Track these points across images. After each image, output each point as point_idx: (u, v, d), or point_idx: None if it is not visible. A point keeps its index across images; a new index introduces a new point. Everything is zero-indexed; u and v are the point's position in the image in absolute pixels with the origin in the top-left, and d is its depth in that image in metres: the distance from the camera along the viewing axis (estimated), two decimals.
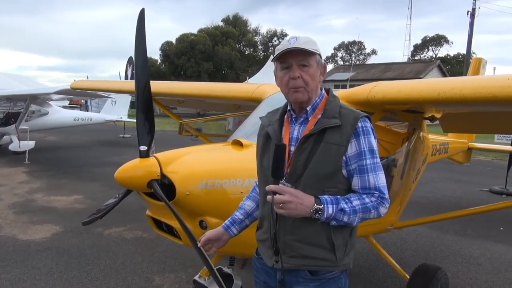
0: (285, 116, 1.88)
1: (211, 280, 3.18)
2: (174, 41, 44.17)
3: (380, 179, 1.71)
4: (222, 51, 42.96)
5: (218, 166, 2.75)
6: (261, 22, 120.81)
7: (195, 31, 46.70)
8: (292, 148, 1.77)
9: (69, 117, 14.58)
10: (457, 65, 50.41)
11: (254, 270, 2.02)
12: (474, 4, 28.19)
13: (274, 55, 1.80)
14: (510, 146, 8.46)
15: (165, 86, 5.07)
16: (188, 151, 2.85)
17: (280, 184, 1.66)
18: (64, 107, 17.73)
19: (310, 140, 1.71)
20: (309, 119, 1.79)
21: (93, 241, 5.29)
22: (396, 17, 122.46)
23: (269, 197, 1.64)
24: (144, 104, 2.69)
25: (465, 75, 27.79)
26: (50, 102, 13.43)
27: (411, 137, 3.89)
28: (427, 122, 4.17)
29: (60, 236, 5.48)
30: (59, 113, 14.13)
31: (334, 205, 1.64)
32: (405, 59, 52.04)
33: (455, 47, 78.37)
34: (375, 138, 1.76)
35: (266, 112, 3.92)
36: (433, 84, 3.15)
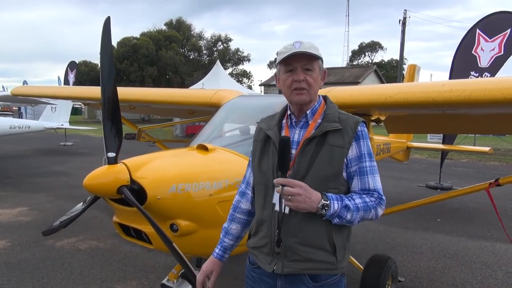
0: (284, 121, 1.92)
1: (179, 282, 3.24)
2: (115, 45, 42.72)
3: (377, 181, 1.80)
4: (166, 55, 42.23)
5: (187, 170, 2.83)
6: (204, 26, 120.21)
7: (137, 34, 45.59)
8: (294, 151, 1.78)
9: (5, 125, 13.53)
10: (391, 70, 53.64)
11: (249, 281, 1.97)
12: (405, 13, 30.25)
13: (279, 58, 1.82)
14: (442, 145, 9.25)
15: (121, 92, 4.99)
16: (155, 157, 2.90)
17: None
18: None
19: (312, 142, 1.76)
20: (309, 123, 1.83)
21: (45, 254, 5.07)
22: (335, 24, 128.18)
23: (278, 188, 1.65)
24: (111, 110, 2.70)
25: (399, 79, 29.77)
26: None
27: None
28: (373, 124, 4.53)
29: (8, 250, 5.18)
30: None
31: (339, 202, 1.69)
32: (344, 64, 54.48)
33: (388, 53, 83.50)
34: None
35: (227, 116, 4.08)
36: (380, 90, 3.46)
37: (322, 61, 1.85)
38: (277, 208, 1.76)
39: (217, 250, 2.07)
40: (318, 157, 1.74)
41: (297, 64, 1.78)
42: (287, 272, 1.76)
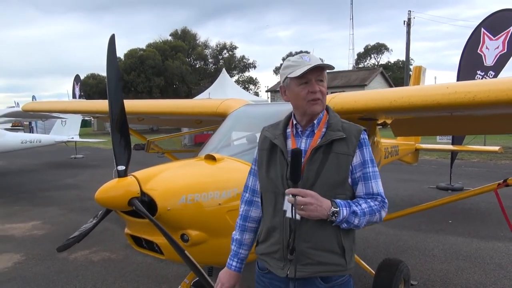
0: (289, 130, 1.98)
1: None
2: (122, 57, 43.27)
3: (380, 185, 1.90)
4: (173, 65, 42.65)
5: (196, 181, 2.87)
6: (209, 35, 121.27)
7: (143, 46, 46.17)
8: (302, 160, 1.83)
9: (16, 140, 13.78)
10: (397, 71, 53.37)
11: (259, 286, 2.03)
12: (409, 14, 30.21)
13: (293, 72, 1.85)
14: (451, 146, 9.19)
15: (130, 104, 5.08)
16: (164, 168, 2.94)
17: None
18: (6, 129, 16.76)
19: (319, 151, 1.83)
20: (315, 132, 1.91)
21: (59, 267, 5.15)
22: (339, 28, 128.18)
23: (291, 198, 1.73)
24: (119, 124, 2.76)
25: (406, 80, 29.61)
26: None
27: None
28: (379, 127, 4.54)
29: (22, 264, 5.27)
30: (5, 137, 13.35)
31: (347, 208, 1.77)
32: (350, 67, 54.45)
33: (394, 54, 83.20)
34: None
35: (234, 125, 4.13)
36: (385, 94, 3.48)
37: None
38: (288, 214, 1.81)
39: (234, 263, 2.09)
40: (325, 165, 1.82)
41: (311, 76, 1.85)
42: (300, 276, 1.81)
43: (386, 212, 1.91)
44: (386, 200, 1.90)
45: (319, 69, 1.86)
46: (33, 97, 30.00)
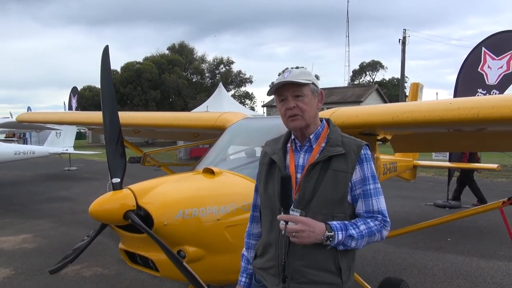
0: (289, 145, 1.95)
1: None
2: (119, 70, 43.38)
3: (381, 203, 1.83)
4: (169, 79, 42.81)
5: (193, 195, 2.79)
6: (207, 50, 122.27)
7: (140, 59, 46.37)
8: (299, 175, 1.83)
9: (9, 152, 13.60)
10: (392, 88, 53.77)
11: None
12: (404, 32, 30.63)
13: (270, 90, 1.90)
14: (448, 163, 9.18)
15: (126, 116, 5.01)
16: (161, 182, 2.86)
17: (290, 212, 1.72)
18: None
19: (317, 167, 1.79)
20: (313, 147, 1.86)
21: (49, 282, 4.98)
22: (335, 45, 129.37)
23: (282, 225, 1.69)
24: (114, 136, 2.71)
25: (401, 97, 29.82)
26: None
27: None
28: (379, 143, 4.49)
29: (11, 279, 5.09)
30: None
31: (344, 231, 1.71)
32: (345, 84, 54.76)
33: (389, 72, 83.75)
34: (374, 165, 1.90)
35: (233, 139, 4.06)
36: (387, 109, 3.44)
37: (314, 84, 1.88)
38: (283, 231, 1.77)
39: (243, 279, 2.10)
40: (322, 182, 1.77)
41: (286, 93, 1.85)
42: None
43: (388, 231, 1.85)
44: (388, 219, 1.83)
45: (295, 85, 1.82)
46: (28, 108, 29.90)
